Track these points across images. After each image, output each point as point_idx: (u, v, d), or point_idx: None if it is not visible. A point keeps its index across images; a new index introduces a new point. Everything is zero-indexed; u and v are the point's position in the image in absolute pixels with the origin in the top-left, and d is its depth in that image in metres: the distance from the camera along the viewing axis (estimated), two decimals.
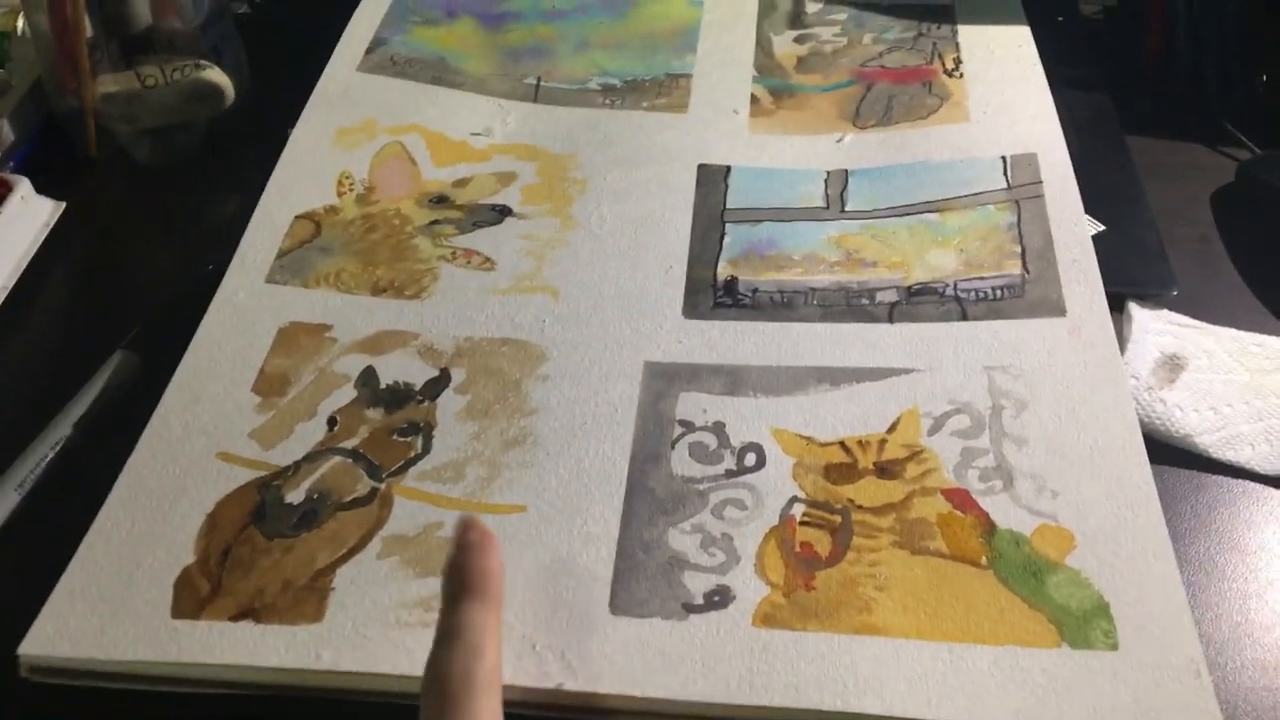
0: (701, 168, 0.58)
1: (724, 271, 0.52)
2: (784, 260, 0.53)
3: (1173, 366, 0.49)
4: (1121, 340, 0.50)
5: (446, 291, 0.52)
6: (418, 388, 0.48)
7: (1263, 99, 0.64)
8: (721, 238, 0.54)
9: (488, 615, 0.35)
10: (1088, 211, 0.53)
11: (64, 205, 0.60)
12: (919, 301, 0.50)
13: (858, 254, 0.53)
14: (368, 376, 0.48)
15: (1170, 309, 0.52)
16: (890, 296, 0.50)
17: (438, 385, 0.48)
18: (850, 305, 0.50)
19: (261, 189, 0.57)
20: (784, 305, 0.50)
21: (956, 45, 0.65)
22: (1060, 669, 0.37)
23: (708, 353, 0.49)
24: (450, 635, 0.34)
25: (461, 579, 0.36)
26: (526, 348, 0.49)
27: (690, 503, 0.43)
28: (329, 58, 0.65)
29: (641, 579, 0.41)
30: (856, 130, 0.60)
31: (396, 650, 0.38)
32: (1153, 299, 0.53)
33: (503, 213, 0.56)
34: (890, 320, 0.49)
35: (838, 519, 0.42)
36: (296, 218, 0.56)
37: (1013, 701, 0.36)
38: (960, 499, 0.43)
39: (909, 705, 0.36)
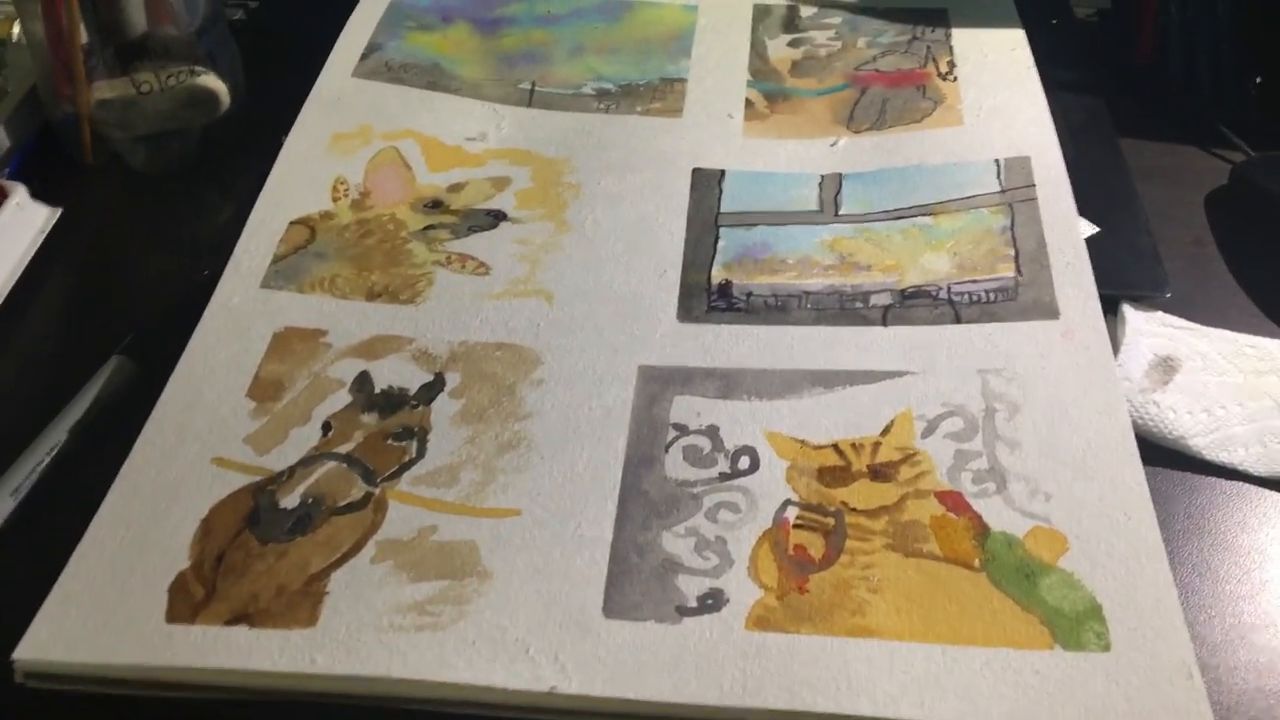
0: (696, 172, 0.58)
1: (718, 275, 0.52)
2: (778, 264, 0.53)
3: (1166, 368, 0.49)
4: (1115, 343, 0.50)
5: (441, 296, 0.52)
6: (412, 392, 0.48)
7: (1256, 101, 0.64)
8: (716, 242, 0.54)
9: None
10: (1081, 214, 0.53)
11: (59, 211, 0.60)
12: (913, 305, 0.50)
13: (852, 257, 0.53)
14: (362, 381, 0.48)
15: (1164, 311, 0.52)
16: (884, 300, 0.50)
17: (432, 390, 0.48)
18: (844, 308, 0.50)
19: (256, 195, 0.57)
20: (778, 309, 0.51)
21: (950, 49, 0.65)
22: (1053, 671, 0.37)
23: (702, 356, 0.49)
24: None
25: None
26: (521, 352, 0.49)
27: (684, 506, 0.43)
28: (324, 63, 0.65)
29: (635, 582, 0.41)
30: (851, 134, 0.60)
31: (391, 655, 0.38)
32: (1146, 301, 0.53)
33: (497, 217, 0.56)
34: (884, 323, 0.49)
35: (831, 522, 0.42)
36: (291, 223, 0.56)
37: (1005, 703, 0.36)
38: (953, 501, 0.43)
39: (902, 707, 0.36)
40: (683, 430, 0.46)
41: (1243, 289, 0.55)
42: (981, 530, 0.42)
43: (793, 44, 0.67)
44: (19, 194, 0.58)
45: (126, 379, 0.51)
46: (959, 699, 0.37)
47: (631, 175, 0.58)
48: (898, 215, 0.55)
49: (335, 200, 0.57)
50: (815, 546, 0.41)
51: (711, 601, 0.40)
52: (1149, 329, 0.51)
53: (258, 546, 0.42)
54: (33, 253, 0.58)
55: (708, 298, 0.51)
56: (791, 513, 0.43)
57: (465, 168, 0.59)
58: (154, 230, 0.61)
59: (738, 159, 0.59)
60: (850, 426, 0.45)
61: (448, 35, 0.68)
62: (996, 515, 0.42)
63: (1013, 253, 0.52)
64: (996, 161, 0.56)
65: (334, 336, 0.50)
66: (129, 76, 0.61)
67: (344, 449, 0.46)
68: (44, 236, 0.59)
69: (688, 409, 0.46)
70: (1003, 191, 0.55)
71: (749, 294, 0.51)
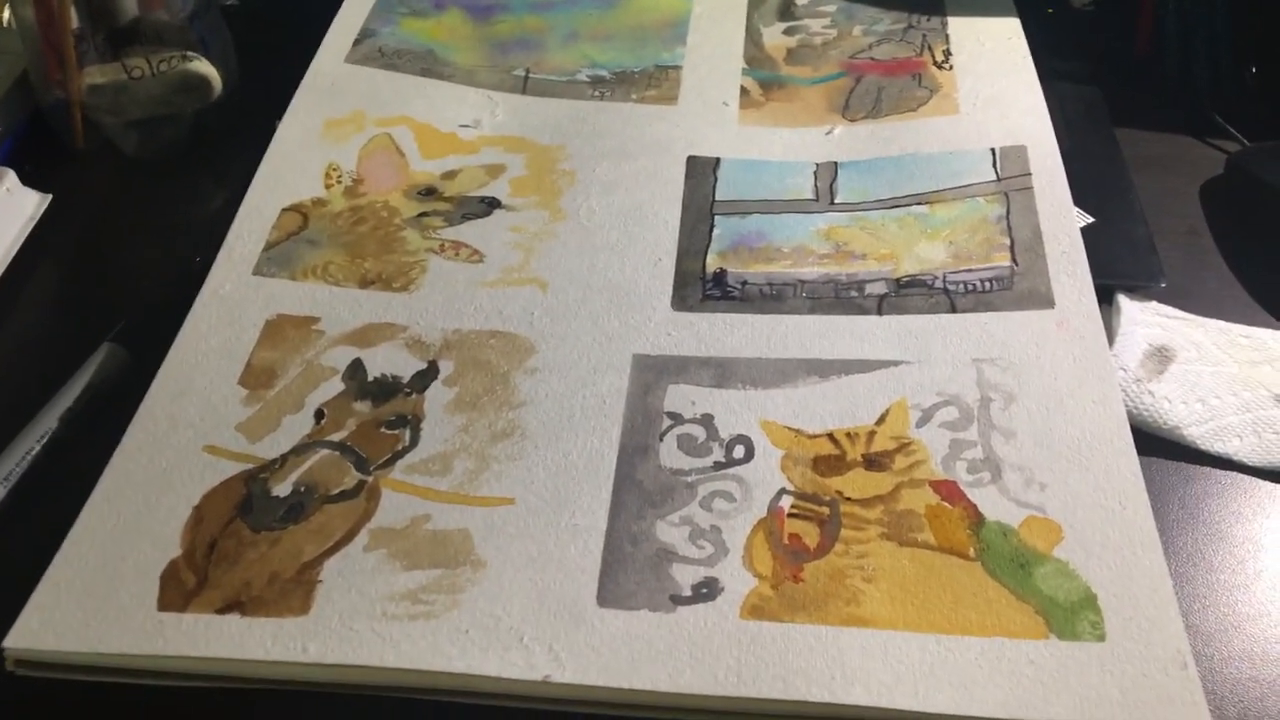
0: (691, 160, 0.58)
1: (713, 264, 0.52)
2: (773, 252, 0.52)
3: (1161, 358, 0.49)
4: (1110, 332, 0.50)
5: (435, 284, 0.52)
6: (405, 380, 0.48)
7: (1252, 91, 0.64)
8: (710, 230, 0.54)
9: None
10: (1077, 204, 0.53)
11: (50, 197, 0.59)
12: (908, 294, 0.50)
13: (847, 246, 0.52)
14: (355, 369, 0.48)
15: (1159, 301, 0.52)
16: (879, 289, 0.50)
17: (426, 378, 0.48)
18: (839, 297, 0.50)
19: (249, 181, 0.56)
20: (773, 297, 0.50)
21: (946, 37, 0.65)
22: (1048, 660, 0.37)
23: (696, 345, 0.48)
24: None
25: None
26: (515, 340, 0.49)
27: (678, 495, 0.43)
28: (317, 49, 0.65)
29: (629, 571, 0.40)
30: (846, 122, 0.60)
31: (384, 643, 0.38)
32: (1141, 291, 0.53)
33: (491, 205, 0.56)
34: (879, 312, 0.49)
35: (826, 511, 0.42)
36: (284, 210, 0.55)
37: (1000, 693, 0.36)
38: (948, 491, 0.43)
39: (896, 697, 0.36)
40: (677, 419, 0.46)
41: (1237, 279, 0.55)
42: (976, 520, 0.42)
43: (788, 32, 0.67)
44: (9, 180, 0.57)
45: (118, 366, 0.51)
46: (953, 688, 0.37)
47: (626, 163, 0.58)
48: (893, 204, 0.54)
49: (328, 187, 0.57)
50: (810, 536, 0.41)
51: (706, 590, 0.40)
52: (1144, 319, 0.51)
53: (250, 534, 0.42)
54: (23, 239, 0.57)
55: (702, 286, 0.51)
56: (786, 502, 0.43)
57: (459, 155, 0.59)
58: (145, 217, 0.61)
59: (733, 147, 0.59)
60: (845, 415, 0.45)
61: (441, 21, 0.68)
62: (991, 505, 0.42)
63: (1008, 242, 0.52)
64: (992, 150, 0.56)
65: (327, 324, 0.50)
66: (120, 62, 0.61)
67: (337, 437, 0.45)
68: (34, 223, 0.58)
69: (682, 398, 0.46)
70: (998, 180, 0.55)
71: (744, 282, 0.51)
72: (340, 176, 0.57)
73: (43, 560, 0.41)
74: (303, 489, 0.43)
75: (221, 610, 0.39)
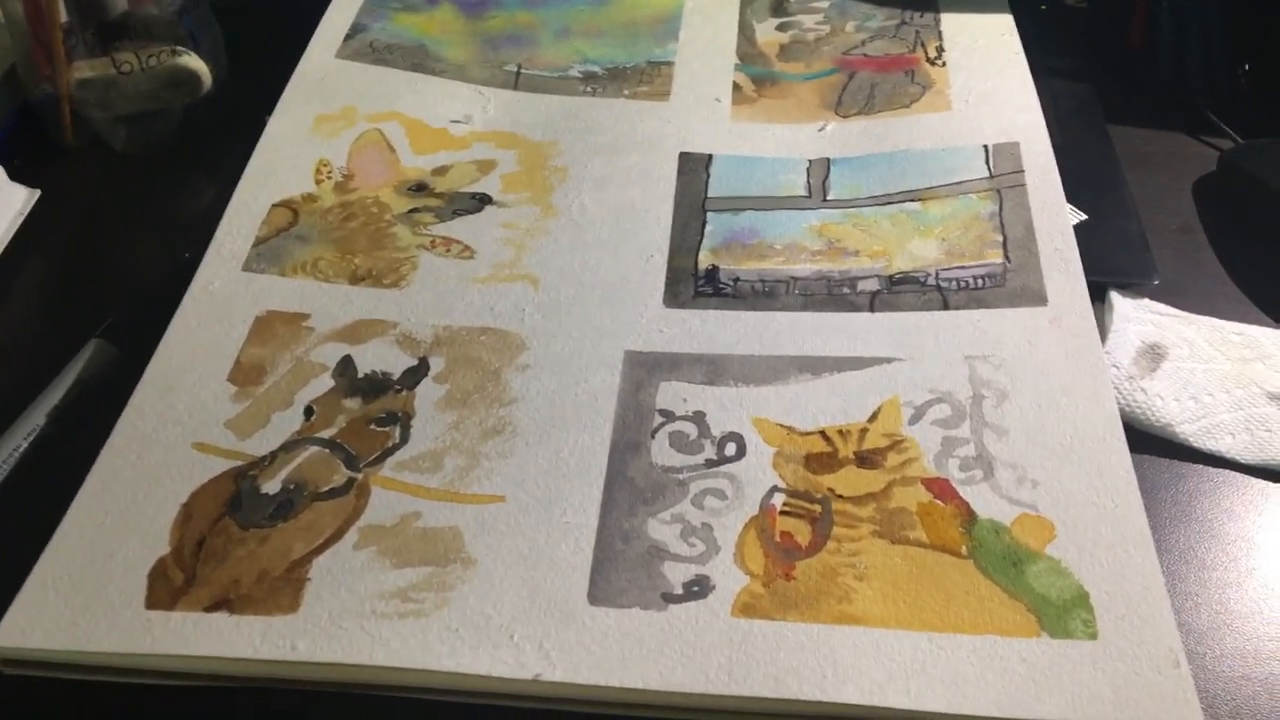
0: (683, 156, 0.58)
1: (705, 260, 0.52)
2: (765, 249, 0.52)
3: (1154, 356, 0.49)
4: (1102, 329, 0.50)
5: (425, 280, 0.52)
6: (396, 377, 0.47)
7: (1245, 88, 0.64)
8: (703, 226, 0.54)
9: None
10: (1069, 200, 0.53)
11: (38, 193, 0.59)
12: (900, 291, 0.50)
13: (839, 243, 0.52)
14: (345, 366, 0.48)
15: (1151, 298, 0.52)
16: (872, 286, 0.50)
17: (416, 374, 0.47)
18: (832, 294, 0.50)
19: (238, 176, 0.56)
20: (765, 294, 0.50)
21: (939, 34, 0.65)
22: (1040, 658, 0.37)
23: (688, 342, 0.48)
24: None
25: None
26: (506, 337, 0.49)
27: (670, 492, 0.43)
28: (307, 44, 0.64)
29: (620, 569, 0.40)
30: (839, 119, 0.60)
31: (373, 641, 0.38)
32: (1134, 288, 0.53)
33: (483, 201, 0.56)
34: (871, 309, 0.49)
35: (818, 508, 0.42)
36: (274, 205, 0.55)
37: (992, 691, 0.36)
38: (940, 488, 0.42)
39: (888, 695, 0.36)
40: (669, 416, 0.45)
41: (1230, 276, 0.55)
42: (968, 517, 0.41)
43: (781, 27, 0.67)
44: None
45: (106, 362, 0.51)
46: (945, 687, 0.36)
47: (618, 159, 0.57)
48: (886, 201, 0.54)
49: (318, 182, 0.57)
50: (802, 533, 0.41)
51: (697, 589, 0.39)
52: (1136, 316, 0.51)
53: (239, 532, 0.42)
54: (11, 235, 0.57)
55: (695, 283, 0.51)
56: (778, 499, 0.42)
57: (450, 150, 0.59)
58: (134, 212, 0.61)
59: (725, 143, 0.58)
60: (837, 413, 0.45)
61: (433, 17, 0.68)
62: (984, 502, 0.42)
63: (1001, 239, 0.51)
64: (985, 147, 0.56)
65: (316, 320, 0.50)
66: (109, 56, 0.61)
67: (326, 434, 0.45)
68: (22, 218, 0.58)
69: (674, 395, 0.46)
70: (991, 177, 0.55)
71: (736, 279, 0.51)
72: (331, 172, 0.57)
73: (30, 558, 0.40)
74: (292, 486, 0.43)
75: (210, 608, 0.39)
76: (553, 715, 0.38)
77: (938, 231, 0.52)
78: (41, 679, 0.38)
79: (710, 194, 0.55)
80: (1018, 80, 0.60)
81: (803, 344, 0.48)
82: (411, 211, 0.55)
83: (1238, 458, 0.47)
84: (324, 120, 0.60)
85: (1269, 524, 0.45)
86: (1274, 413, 0.48)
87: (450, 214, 0.55)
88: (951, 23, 0.65)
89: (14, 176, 0.58)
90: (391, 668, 0.37)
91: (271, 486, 0.43)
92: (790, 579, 0.40)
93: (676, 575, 0.40)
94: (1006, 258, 0.51)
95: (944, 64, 0.62)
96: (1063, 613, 0.38)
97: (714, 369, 0.47)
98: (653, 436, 0.45)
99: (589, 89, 0.63)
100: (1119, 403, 0.45)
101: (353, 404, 0.46)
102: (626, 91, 0.62)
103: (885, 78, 0.62)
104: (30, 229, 0.58)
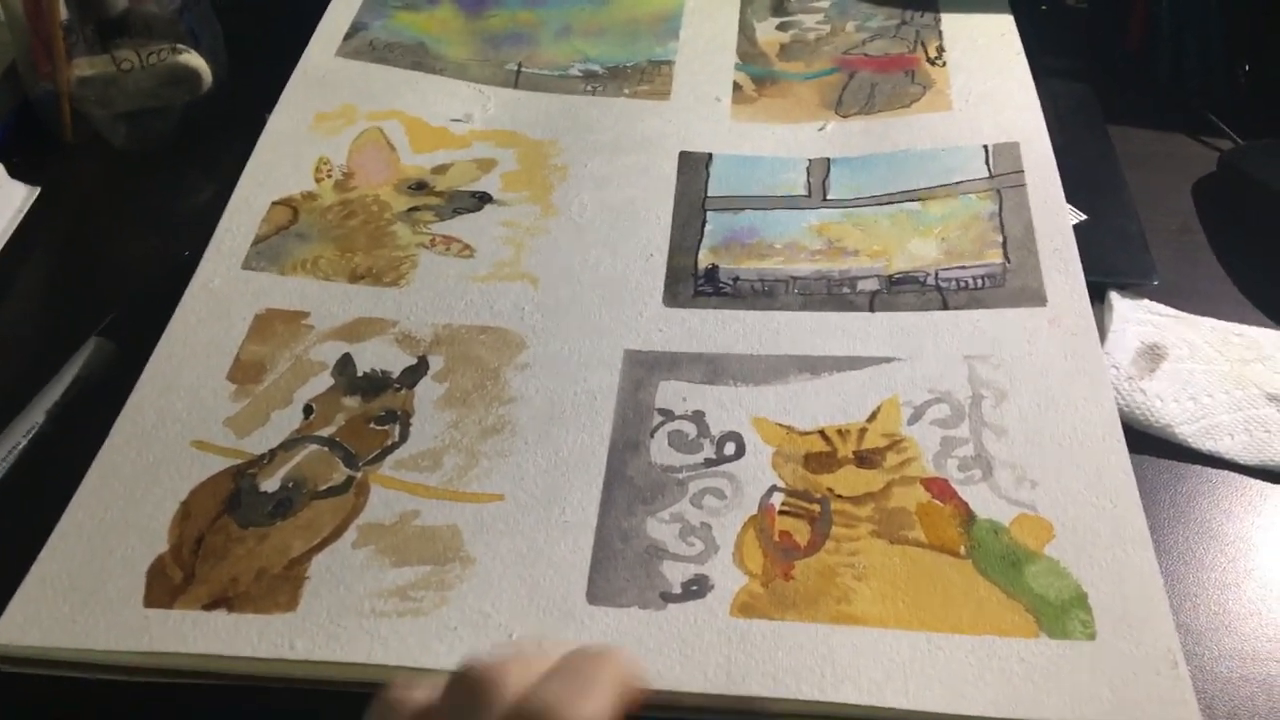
0: (683, 155, 0.58)
1: (705, 259, 0.52)
2: (765, 248, 0.52)
3: (1153, 356, 0.49)
4: (1102, 330, 0.50)
5: (425, 279, 0.52)
6: (395, 375, 0.47)
7: (1244, 89, 0.64)
8: (703, 225, 0.54)
9: None
10: (1069, 201, 0.53)
11: (38, 190, 0.59)
12: (900, 290, 0.50)
13: (839, 243, 0.52)
14: (345, 364, 0.48)
15: (1151, 299, 0.52)
16: (871, 285, 0.50)
17: (416, 373, 0.47)
18: (831, 294, 0.50)
19: (238, 174, 0.56)
20: (765, 294, 0.50)
21: (939, 33, 0.65)
22: (1038, 659, 0.37)
23: (688, 341, 0.48)
24: None
25: None
26: (505, 336, 0.49)
27: (669, 492, 0.43)
28: (307, 42, 0.64)
29: (619, 568, 0.40)
30: (839, 118, 0.60)
31: (371, 640, 0.38)
32: (1133, 289, 0.53)
33: (482, 199, 0.56)
34: (871, 309, 0.49)
35: (817, 508, 0.42)
36: (274, 204, 0.55)
37: (990, 691, 0.36)
38: (939, 488, 0.42)
39: (886, 695, 0.36)
40: (668, 415, 0.45)
41: (1229, 277, 0.55)
42: (967, 517, 0.41)
43: (781, 27, 0.67)
44: None
45: (105, 360, 0.51)
46: (944, 687, 0.36)
47: (618, 158, 0.57)
48: (886, 200, 0.54)
49: (318, 181, 0.57)
50: (801, 533, 0.41)
51: (696, 588, 0.39)
52: (1136, 316, 0.51)
53: (238, 530, 0.42)
54: (10, 232, 0.57)
55: (694, 282, 0.51)
56: (777, 499, 0.42)
57: (450, 149, 0.59)
58: (134, 210, 0.61)
59: (725, 142, 0.58)
60: (836, 412, 0.45)
61: (433, 15, 0.68)
62: (982, 502, 0.42)
63: (1000, 239, 0.51)
64: (985, 147, 0.56)
65: (316, 318, 0.50)
66: (109, 54, 0.61)
67: (326, 432, 0.45)
68: (22, 215, 0.58)
69: (673, 394, 0.46)
70: (991, 177, 0.55)
71: (736, 278, 0.51)
72: (330, 170, 0.57)
73: (28, 555, 0.40)
74: (291, 484, 0.43)
75: (209, 606, 0.39)
76: None
77: (937, 231, 0.52)
78: (40, 676, 0.38)
79: (710, 193, 0.55)
80: (1018, 80, 0.60)
81: (802, 343, 0.48)
82: (411, 210, 0.55)
83: (1237, 459, 0.47)
84: (324, 118, 0.60)
85: (1268, 525, 0.45)
86: (1273, 414, 0.48)
87: (450, 212, 0.55)
88: (952, 23, 0.65)
89: (14, 174, 0.58)
90: (390, 666, 0.37)
91: (271, 485, 0.43)
92: (789, 578, 0.40)
93: (675, 575, 0.40)
94: (1006, 258, 0.51)
95: (944, 64, 0.62)
96: (1061, 613, 0.38)
97: (713, 368, 0.47)
98: (652, 436, 0.45)
99: (589, 88, 0.63)
100: (1118, 403, 0.45)
101: (352, 402, 0.46)
102: (627, 90, 0.62)
103: (885, 78, 0.62)
104: (30, 226, 0.58)
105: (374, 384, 0.47)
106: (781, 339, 0.48)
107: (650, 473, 0.43)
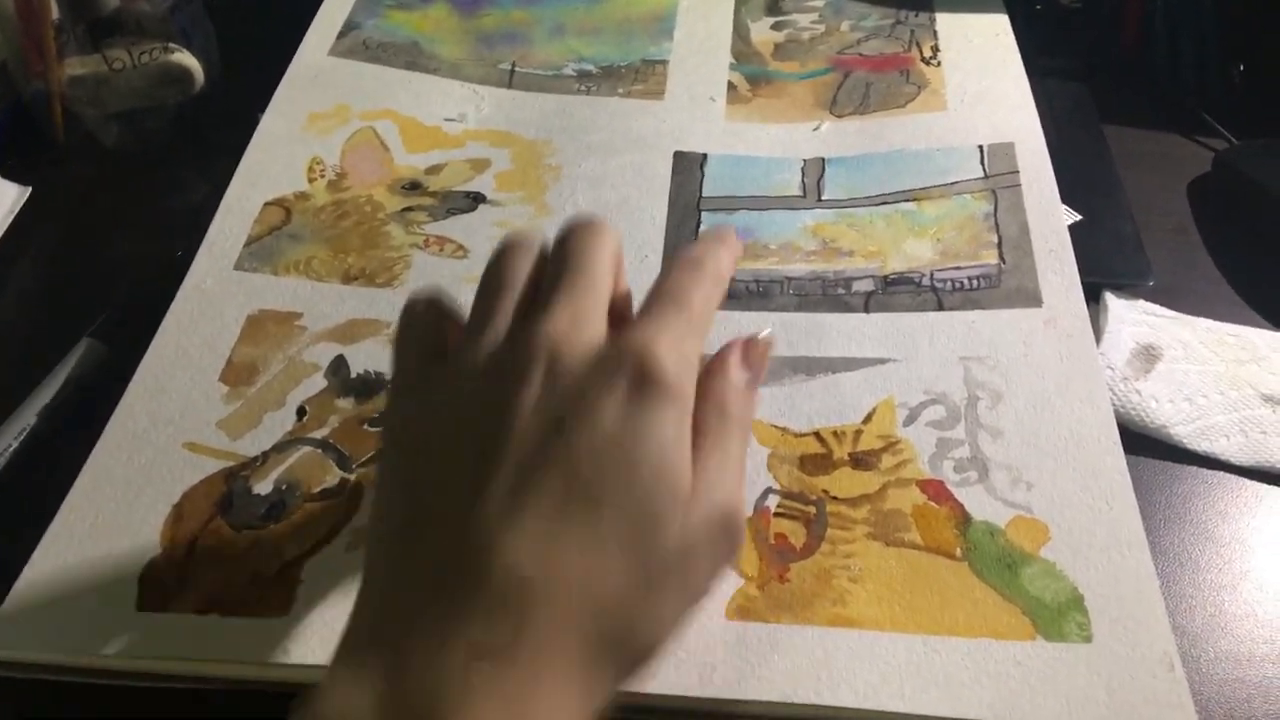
0: (678, 155, 0.57)
1: None
2: (760, 249, 0.52)
3: (1148, 357, 0.49)
4: (1097, 331, 0.49)
5: (418, 280, 0.51)
6: (389, 377, 0.47)
7: (1239, 89, 0.64)
8: (697, 226, 0.53)
9: None
10: (1064, 201, 0.53)
11: (29, 190, 0.59)
12: (895, 291, 0.50)
13: (834, 243, 0.52)
14: (338, 365, 0.48)
15: (1146, 299, 0.52)
16: (866, 286, 0.50)
17: None
18: (826, 295, 0.50)
19: (231, 174, 0.56)
20: (760, 295, 0.50)
21: (934, 33, 0.65)
22: (1034, 662, 0.37)
23: None
24: None
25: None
26: None
27: None
28: (300, 41, 0.64)
29: None
30: (834, 118, 0.60)
31: None
32: (1129, 289, 0.53)
33: (476, 200, 0.56)
34: (866, 310, 0.49)
35: (812, 510, 0.42)
36: (266, 204, 0.55)
37: (986, 694, 0.36)
38: (935, 490, 0.42)
39: (882, 698, 0.36)
40: None
41: (1225, 277, 0.55)
42: (963, 519, 0.41)
43: (776, 26, 0.67)
44: None
45: (97, 362, 0.50)
46: (940, 690, 0.36)
47: (613, 158, 0.57)
48: (881, 201, 0.54)
49: (311, 181, 0.56)
50: (796, 535, 0.41)
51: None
52: (1131, 317, 0.51)
53: (230, 533, 0.41)
54: (1, 232, 0.57)
55: None
56: (773, 501, 0.42)
57: (444, 149, 0.59)
58: (126, 210, 0.60)
59: (720, 142, 0.58)
60: (832, 414, 0.45)
61: (427, 14, 0.67)
62: (978, 504, 0.42)
63: (996, 239, 0.51)
64: (980, 147, 0.56)
65: (309, 320, 0.50)
66: (101, 53, 0.60)
67: (319, 434, 0.45)
68: (13, 216, 0.58)
69: None
70: (986, 178, 0.54)
71: (730, 279, 0.50)
72: (324, 170, 0.57)
73: (20, 559, 0.40)
74: (284, 487, 0.43)
75: (202, 610, 0.39)
76: None
77: (932, 232, 0.52)
78: (33, 680, 0.38)
79: (705, 193, 0.55)
80: (1012, 80, 0.60)
81: (797, 345, 0.48)
82: (405, 210, 0.55)
83: (1232, 460, 0.47)
84: (317, 118, 0.60)
85: (1263, 526, 0.45)
86: (1268, 415, 0.48)
87: (444, 213, 0.55)
88: (946, 22, 0.65)
89: (5, 174, 0.58)
90: None
91: (263, 487, 0.43)
92: (784, 581, 0.40)
93: None
94: (1001, 258, 0.50)
95: (939, 64, 0.62)
96: (1057, 615, 0.38)
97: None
98: None
99: (583, 87, 0.62)
100: (1114, 404, 0.45)
101: (345, 404, 0.46)
102: (621, 90, 0.62)
103: (880, 77, 0.62)
104: (21, 226, 0.58)
105: (368, 386, 0.47)
106: (776, 340, 0.48)
107: None
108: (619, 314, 0.35)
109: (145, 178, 0.62)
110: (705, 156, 0.57)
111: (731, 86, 0.62)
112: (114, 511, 0.42)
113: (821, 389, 0.46)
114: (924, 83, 0.61)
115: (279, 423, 0.45)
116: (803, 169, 0.56)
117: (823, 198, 0.55)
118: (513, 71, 0.64)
